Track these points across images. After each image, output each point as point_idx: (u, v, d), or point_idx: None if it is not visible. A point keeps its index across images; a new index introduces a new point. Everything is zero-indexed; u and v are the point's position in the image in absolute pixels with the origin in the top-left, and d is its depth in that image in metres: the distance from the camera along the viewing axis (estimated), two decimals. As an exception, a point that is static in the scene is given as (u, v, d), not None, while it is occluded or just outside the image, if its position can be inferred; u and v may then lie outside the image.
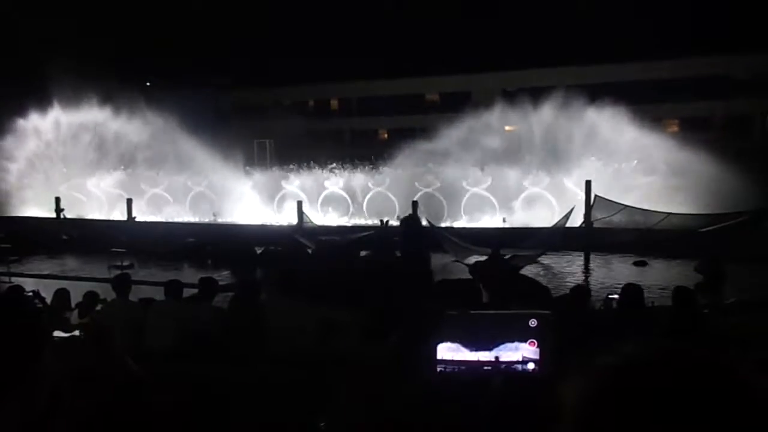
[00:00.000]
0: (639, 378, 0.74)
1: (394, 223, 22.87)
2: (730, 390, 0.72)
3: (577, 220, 19.58)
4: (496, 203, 24.66)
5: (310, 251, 17.38)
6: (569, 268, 17.44)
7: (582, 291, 7.03)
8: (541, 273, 15.85)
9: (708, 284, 11.95)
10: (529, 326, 1.94)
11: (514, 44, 37.44)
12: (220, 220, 26.80)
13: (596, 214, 19.86)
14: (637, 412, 0.71)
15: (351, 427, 1.60)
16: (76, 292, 8.19)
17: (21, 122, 31.00)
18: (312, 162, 28.73)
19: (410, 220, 14.23)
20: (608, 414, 0.73)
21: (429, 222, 20.38)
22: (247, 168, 30.14)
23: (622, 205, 19.82)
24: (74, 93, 30.17)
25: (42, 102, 30.67)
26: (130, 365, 1.76)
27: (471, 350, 1.93)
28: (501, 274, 11.94)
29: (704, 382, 0.72)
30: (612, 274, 16.15)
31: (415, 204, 22.52)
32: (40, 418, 1.16)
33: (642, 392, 0.72)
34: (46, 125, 31.34)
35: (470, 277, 12.53)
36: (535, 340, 1.94)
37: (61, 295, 7.92)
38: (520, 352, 1.93)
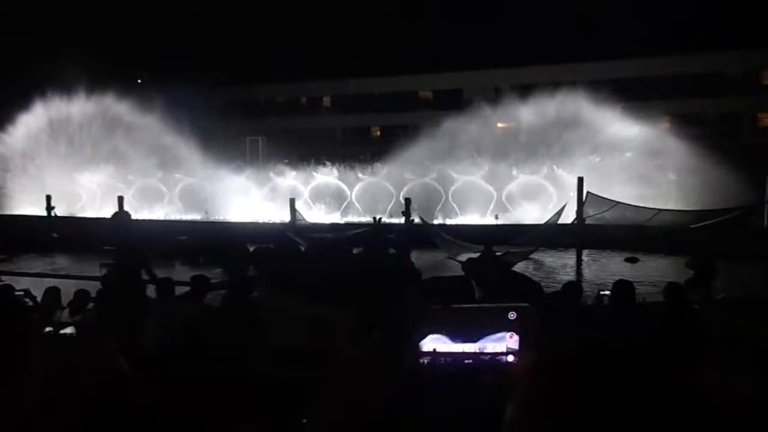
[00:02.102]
0: (566, 374, 0.75)
1: (387, 220, 22.95)
2: (664, 391, 0.73)
3: (569, 217, 19.68)
4: (493, 192, 24.72)
5: (302, 249, 17.36)
6: (561, 264, 17.51)
7: (573, 287, 7.07)
8: (534, 269, 15.91)
9: (698, 280, 12.01)
10: (509, 319, 1.96)
11: (506, 41, 37.50)
12: (212, 218, 26.72)
13: (588, 211, 19.97)
14: (564, 407, 0.73)
15: (333, 424, 1.61)
16: (67, 290, 8.15)
17: (10, 118, 30.73)
18: (304, 159, 28.73)
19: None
20: (538, 407, 0.75)
21: (421, 219, 20.42)
22: (240, 162, 30.10)
23: (614, 201, 19.94)
24: (65, 88, 30.03)
25: (31, 97, 30.46)
26: (120, 363, 1.76)
27: (454, 342, 1.95)
28: (493, 270, 11.98)
29: (635, 382, 0.73)
30: (603, 270, 16.23)
31: (407, 201, 22.56)
32: (31, 415, 1.15)
33: (568, 387, 0.74)
34: (35, 121, 31.12)
35: (462, 274, 12.56)
36: (515, 333, 1.96)
37: (52, 293, 7.87)
38: (501, 344, 1.95)
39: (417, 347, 1.88)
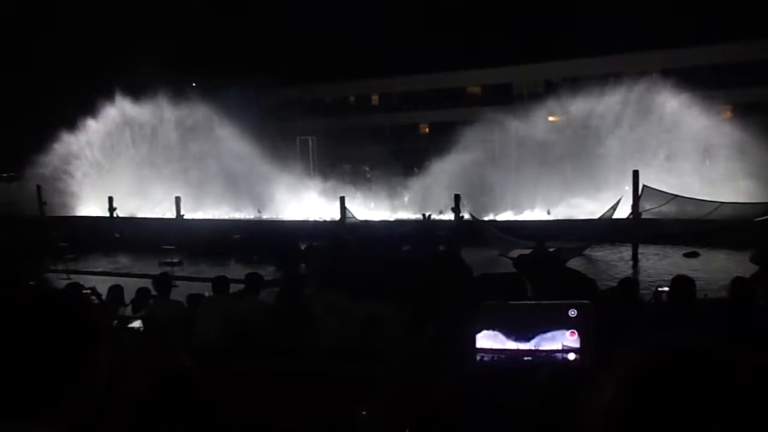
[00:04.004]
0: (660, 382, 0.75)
1: (437, 217, 22.86)
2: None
3: (624, 212, 19.12)
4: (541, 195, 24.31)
5: (353, 246, 17.49)
6: (617, 260, 17.05)
7: (630, 283, 6.85)
8: (588, 266, 15.53)
9: (764, 275, 11.46)
10: (569, 316, 1.92)
11: (556, 33, 36.67)
12: (264, 217, 27.26)
13: (645, 205, 19.32)
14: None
15: (391, 415, 1.63)
16: (130, 288, 8.47)
17: (72, 123, 32.07)
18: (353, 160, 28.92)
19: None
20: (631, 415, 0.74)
21: (472, 215, 20.26)
22: (292, 161, 30.61)
23: (672, 194, 19.24)
24: (124, 93, 31.23)
25: (92, 102, 31.74)
26: (182, 357, 1.82)
27: (510, 339, 1.93)
28: (546, 267, 11.76)
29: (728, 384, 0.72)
30: (661, 265, 15.72)
31: (457, 197, 22.40)
32: (98, 407, 1.21)
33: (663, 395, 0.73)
34: (96, 126, 32.41)
35: (514, 270, 12.37)
36: (575, 330, 1.93)
37: (115, 291, 8.20)
38: (560, 341, 1.92)
39: (472, 343, 1.88)
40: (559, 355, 1.93)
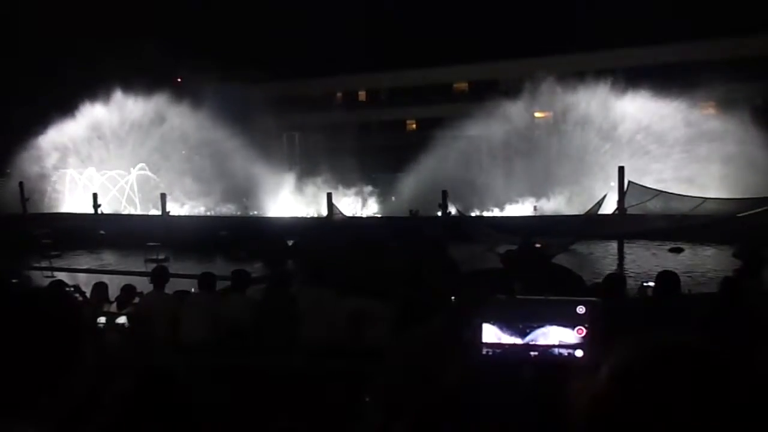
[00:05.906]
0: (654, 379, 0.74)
1: (424, 213, 22.89)
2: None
3: (610, 207, 19.28)
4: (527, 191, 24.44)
5: (340, 242, 17.47)
6: (602, 255, 17.18)
7: (616, 279, 6.89)
8: (574, 261, 15.63)
9: (747, 270, 11.61)
10: (577, 313, 1.93)
11: (541, 30, 36.84)
12: (251, 212, 27.15)
13: (630, 201, 19.51)
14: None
15: (394, 404, 1.62)
16: (114, 285, 8.38)
17: (55, 121, 31.69)
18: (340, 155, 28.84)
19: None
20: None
21: (459, 211, 20.31)
22: (278, 158, 30.51)
23: (657, 190, 19.43)
24: (111, 89, 30.91)
25: (76, 98, 31.39)
26: (166, 355, 1.81)
27: (517, 334, 1.93)
28: (533, 262, 11.85)
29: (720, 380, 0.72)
30: (647, 261, 15.86)
31: (444, 193, 22.45)
32: (81, 406, 1.20)
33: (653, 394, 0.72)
34: (83, 122, 32.06)
35: (501, 266, 12.45)
36: (583, 328, 1.93)
37: (100, 288, 8.10)
38: (567, 338, 1.92)
39: (478, 337, 1.87)
40: (566, 351, 1.93)
